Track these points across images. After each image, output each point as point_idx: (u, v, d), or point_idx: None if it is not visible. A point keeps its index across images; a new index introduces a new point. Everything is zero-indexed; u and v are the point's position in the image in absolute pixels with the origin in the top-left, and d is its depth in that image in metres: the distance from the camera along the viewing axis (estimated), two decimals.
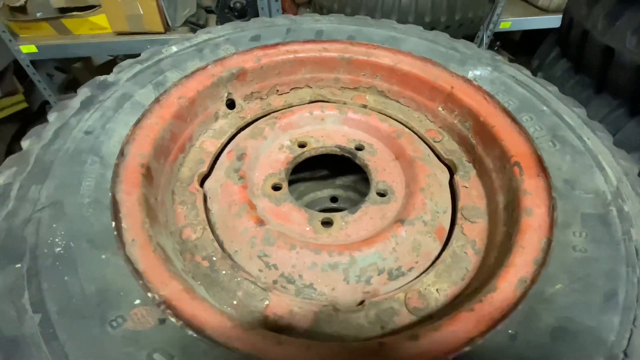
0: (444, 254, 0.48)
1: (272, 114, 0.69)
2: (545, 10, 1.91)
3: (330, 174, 0.96)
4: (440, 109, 0.65)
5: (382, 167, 0.61)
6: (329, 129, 0.69)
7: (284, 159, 0.62)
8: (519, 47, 2.43)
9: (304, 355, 0.32)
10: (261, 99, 0.71)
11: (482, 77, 0.63)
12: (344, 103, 0.71)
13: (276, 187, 0.58)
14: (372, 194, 0.57)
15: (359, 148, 0.65)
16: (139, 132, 0.52)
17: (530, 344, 0.33)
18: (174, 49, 0.68)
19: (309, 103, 0.71)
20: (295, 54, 0.68)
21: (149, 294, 0.35)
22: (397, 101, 0.71)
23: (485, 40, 1.84)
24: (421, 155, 0.60)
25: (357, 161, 0.64)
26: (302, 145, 0.65)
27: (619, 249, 0.38)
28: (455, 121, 0.62)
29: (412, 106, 0.69)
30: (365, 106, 0.71)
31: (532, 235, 0.41)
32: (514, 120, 0.53)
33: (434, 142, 0.63)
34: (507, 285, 0.37)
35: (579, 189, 0.45)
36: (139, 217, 0.43)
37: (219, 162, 0.61)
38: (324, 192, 0.89)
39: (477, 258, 0.48)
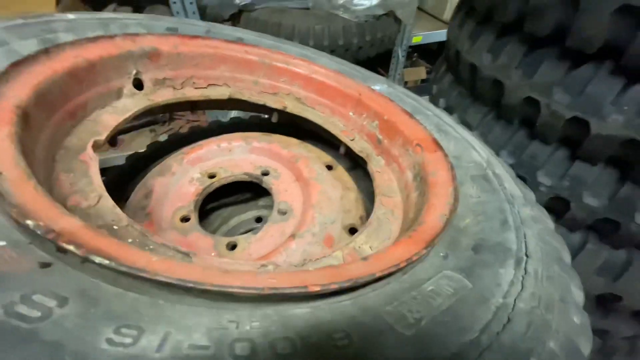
0: (371, 218, 0.51)
1: (180, 150, 0.71)
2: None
3: (253, 196, 0.94)
4: (351, 113, 0.74)
5: (284, 189, 0.68)
6: (237, 159, 0.74)
7: (193, 191, 0.65)
8: (437, 56, 2.90)
9: None
10: (174, 88, 0.67)
11: (382, 91, 0.75)
12: (264, 104, 0.73)
13: (185, 219, 0.60)
14: (274, 214, 0.62)
15: (265, 173, 0.71)
16: (16, 75, 0.41)
17: (459, 258, 0.37)
18: (71, 16, 0.59)
19: (228, 99, 0.71)
20: (216, 49, 0.69)
21: (37, 228, 0.25)
22: (314, 108, 0.77)
23: (401, 54, 2.13)
24: (314, 175, 0.67)
25: (263, 185, 0.70)
26: (212, 176, 0.69)
27: (500, 195, 0.49)
28: (364, 123, 0.72)
29: (327, 112, 0.76)
30: (285, 108, 0.74)
31: (441, 187, 0.48)
32: (411, 116, 0.65)
33: (349, 140, 0.71)
34: (432, 219, 0.42)
35: (464, 161, 0.56)
36: (10, 153, 0.32)
37: (127, 202, 0.61)
38: (249, 214, 0.88)
39: (397, 222, 0.52)
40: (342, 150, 0.75)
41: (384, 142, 0.67)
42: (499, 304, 0.32)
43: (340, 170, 0.72)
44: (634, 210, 0.64)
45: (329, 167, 0.72)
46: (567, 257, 0.44)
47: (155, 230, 0.55)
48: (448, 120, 0.68)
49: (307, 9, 1.75)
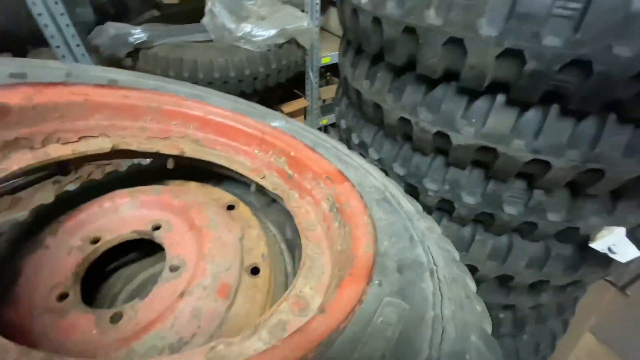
0: (303, 258, 0.52)
1: (56, 219, 0.61)
2: None
3: (154, 251, 0.82)
4: (256, 151, 0.73)
5: (177, 241, 0.63)
6: (125, 216, 0.67)
7: (72, 263, 0.56)
8: None
9: None
10: (32, 148, 0.54)
11: (281, 127, 0.78)
12: (157, 152, 0.66)
13: (63, 296, 0.52)
14: (165, 271, 0.57)
15: (156, 227, 0.65)
16: None
17: (391, 283, 0.42)
18: None
19: (112, 151, 0.61)
20: (86, 96, 0.59)
21: None
22: (215, 149, 0.73)
23: (313, 75, 2.21)
24: (207, 222, 0.64)
25: (155, 240, 0.64)
26: (95, 241, 0.61)
27: (401, 214, 0.56)
28: (272, 160, 0.72)
29: (231, 152, 0.74)
30: (183, 153, 0.68)
31: (357, 217, 0.53)
32: (314, 150, 0.69)
33: (260, 178, 0.70)
34: (361, 252, 0.45)
35: (366, 187, 0.63)
36: None
37: None
38: (156, 268, 0.76)
39: (325, 255, 0.55)
40: (252, 188, 0.74)
41: (294, 176, 0.69)
42: (432, 317, 0.38)
43: (242, 208, 0.71)
44: (501, 202, 0.83)
45: (231, 207, 0.70)
46: (457, 256, 0.55)
47: (24, 320, 0.47)
48: (344, 150, 0.74)
49: (209, 41, 1.73)
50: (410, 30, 0.70)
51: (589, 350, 2.02)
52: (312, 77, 2.34)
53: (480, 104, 0.72)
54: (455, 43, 0.64)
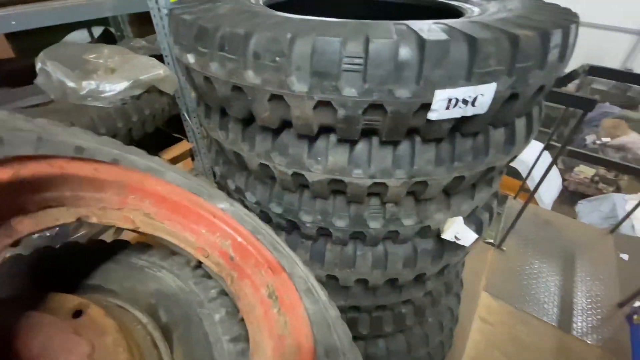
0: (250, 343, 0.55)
1: None
2: None
3: None
4: (204, 231, 0.73)
5: None
6: None
7: None
8: None
9: None
10: None
11: (226, 209, 0.75)
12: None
13: None
14: None
15: None
16: None
17: None
18: None
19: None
20: (62, 169, 0.56)
21: None
22: (163, 223, 0.72)
23: (190, 117, 2.15)
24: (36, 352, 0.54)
25: None
26: None
27: (320, 304, 0.62)
28: (217, 241, 0.72)
29: (178, 228, 0.72)
30: (137, 228, 0.68)
31: (295, 308, 0.57)
32: (256, 237, 0.71)
33: (204, 257, 0.71)
34: (304, 342, 0.48)
35: (295, 277, 0.68)
36: None
37: None
38: None
39: (266, 339, 0.55)
40: (192, 263, 0.76)
41: (236, 259, 0.69)
42: None
43: (93, 311, 0.61)
44: (365, 220, 0.92)
45: (78, 313, 0.60)
46: (351, 339, 0.59)
47: None
48: (277, 238, 0.75)
49: (49, 103, 1.53)
50: (238, 89, 0.73)
51: (487, 307, 2.38)
52: (189, 119, 2.29)
53: (320, 144, 0.80)
54: (278, 98, 0.69)
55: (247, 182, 1.06)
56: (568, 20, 0.74)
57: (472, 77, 0.64)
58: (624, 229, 3.25)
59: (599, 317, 2.41)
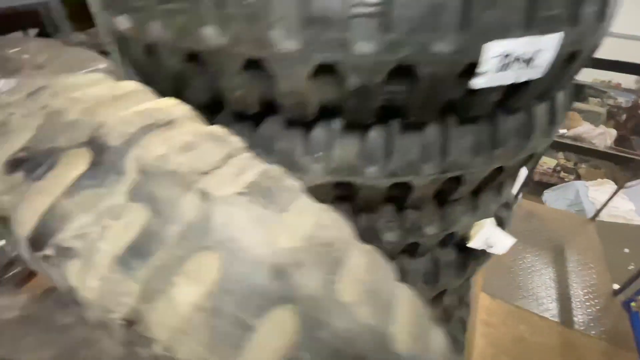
0: None
1: None
2: None
3: None
4: None
5: None
6: None
7: None
8: None
9: None
10: None
11: None
12: None
13: None
14: None
15: None
16: None
17: None
18: None
19: None
20: None
21: None
22: None
23: None
24: None
25: None
26: None
27: None
28: None
29: None
30: None
31: None
32: None
33: None
34: None
35: None
36: None
37: None
38: None
39: None
40: None
41: None
42: None
43: None
44: (377, 232, 0.70)
45: None
46: None
47: None
48: None
49: None
50: (194, 57, 0.49)
51: (487, 309, 2.24)
52: None
53: (319, 134, 0.57)
54: (255, 66, 0.46)
55: None
56: None
57: (533, 23, 0.45)
58: (590, 214, 3.27)
59: (598, 307, 2.34)
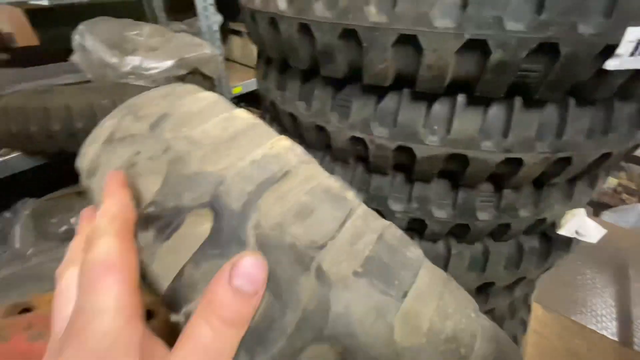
0: None
1: None
2: None
3: None
4: None
5: None
6: None
7: None
8: None
9: None
10: None
11: None
12: None
13: None
14: None
15: None
16: None
17: None
18: None
19: None
20: None
21: None
22: None
23: None
24: None
25: None
26: None
27: None
28: None
29: None
30: None
31: None
32: None
33: None
34: None
35: None
36: None
37: None
38: None
39: None
40: None
41: None
42: None
43: None
44: (474, 210, 0.75)
45: None
46: None
47: None
48: None
49: (86, 82, 1.39)
50: (348, 34, 0.58)
51: (540, 320, 2.17)
52: None
53: (440, 108, 0.64)
54: (407, 41, 0.53)
55: (321, 165, 0.90)
56: None
57: None
58: None
59: None
